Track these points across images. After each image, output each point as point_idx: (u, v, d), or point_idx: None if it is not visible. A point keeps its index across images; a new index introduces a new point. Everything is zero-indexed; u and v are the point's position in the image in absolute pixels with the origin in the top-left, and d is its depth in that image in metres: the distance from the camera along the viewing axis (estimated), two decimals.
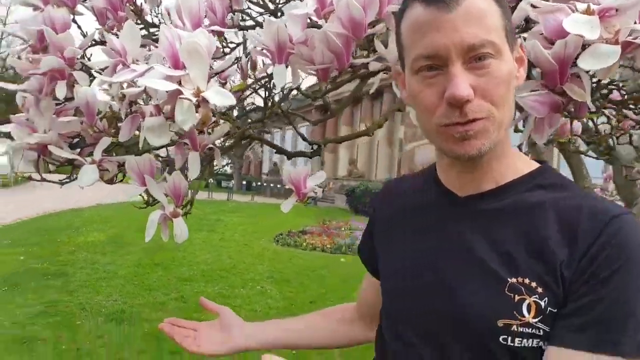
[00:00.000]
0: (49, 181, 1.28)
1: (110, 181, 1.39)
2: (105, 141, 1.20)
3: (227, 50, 1.27)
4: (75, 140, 1.36)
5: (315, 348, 1.12)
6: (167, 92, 0.91)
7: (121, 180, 1.49)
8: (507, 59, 0.68)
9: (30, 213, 12.94)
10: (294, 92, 1.31)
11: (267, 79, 1.25)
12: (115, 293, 5.69)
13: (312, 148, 1.59)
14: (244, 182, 33.03)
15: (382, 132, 26.21)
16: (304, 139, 1.67)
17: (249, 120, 1.53)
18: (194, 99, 0.88)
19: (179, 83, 0.90)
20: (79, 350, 4.03)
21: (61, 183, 1.30)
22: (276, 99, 1.30)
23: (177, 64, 0.95)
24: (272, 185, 30.94)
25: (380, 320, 0.90)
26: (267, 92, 1.24)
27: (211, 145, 1.13)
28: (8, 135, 1.26)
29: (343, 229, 12.70)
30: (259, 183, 32.69)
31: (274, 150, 1.64)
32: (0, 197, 17.63)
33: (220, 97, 0.88)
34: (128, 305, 5.25)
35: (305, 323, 1.10)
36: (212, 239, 10.41)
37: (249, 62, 1.14)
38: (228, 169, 53.34)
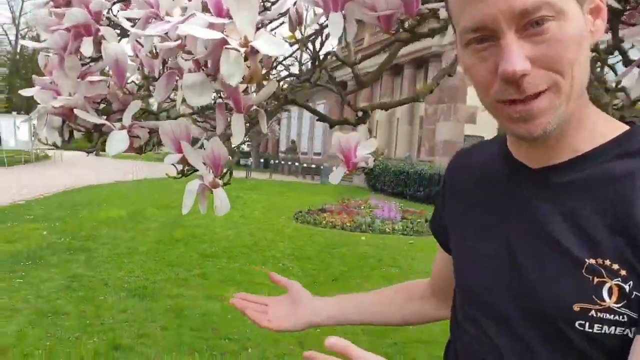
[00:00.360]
0: (76, 149, 1.18)
1: (140, 150, 1.29)
2: (136, 105, 1.09)
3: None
4: (102, 106, 1.25)
5: (385, 325, 1.08)
6: (209, 42, 0.79)
7: (151, 149, 1.38)
8: (573, 16, 0.58)
9: (52, 189, 13.09)
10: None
11: (314, 36, 1.11)
12: (138, 269, 5.69)
13: (356, 115, 1.46)
14: (262, 160, 33.03)
15: (401, 110, 25.84)
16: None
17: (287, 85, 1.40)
18: (242, 50, 0.75)
19: (223, 32, 0.78)
20: (102, 324, 4.03)
21: (88, 151, 1.19)
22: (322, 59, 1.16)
23: (220, 12, 0.82)
24: (289, 163, 30.88)
25: (453, 298, 0.86)
26: (313, 50, 1.11)
27: (256, 107, 1.01)
28: (27, 112, 1.15)
29: (362, 207, 12.58)
30: (277, 161, 32.65)
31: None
32: (22, 173, 17.89)
33: (272, 47, 0.75)
34: (150, 281, 5.24)
35: (376, 299, 1.05)
36: (232, 216, 10.40)
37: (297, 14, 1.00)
38: (245, 147, 53.53)
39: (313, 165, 27.09)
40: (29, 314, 4.12)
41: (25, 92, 1.14)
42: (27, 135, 21.47)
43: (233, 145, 0.99)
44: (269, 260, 6.58)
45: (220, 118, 1.00)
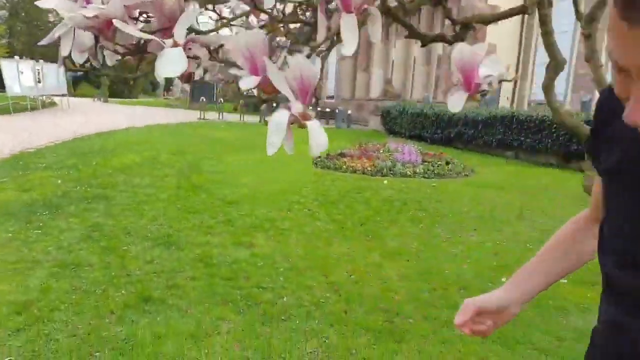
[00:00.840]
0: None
1: (189, 78, 1.00)
2: (192, 14, 0.78)
3: None
4: (139, 25, 0.94)
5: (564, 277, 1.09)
6: None
7: (202, 78, 1.09)
8: None
9: (62, 136, 12.87)
10: None
11: None
12: (160, 217, 5.53)
13: (454, 30, 1.17)
14: (273, 105, 32.39)
15: (418, 49, 24.86)
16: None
17: None
18: None
19: None
20: (129, 276, 3.88)
21: (130, 78, 0.90)
22: None
23: None
24: None
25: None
26: None
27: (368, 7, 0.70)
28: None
29: (381, 151, 12.25)
30: None
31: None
32: (29, 120, 17.65)
33: None
34: (174, 229, 5.08)
35: (553, 258, 1.06)
36: (250, 161, 10.17)
37: None
38: (255, 91, 52.72)
39: (327, 109, 26.48)
40: (50, 266, 3.95)
41: (43, 3, 0.83)
42: (32, 80, 20.97)
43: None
44: (294, 206, 6.38)
45: (322, 20, 0.69)
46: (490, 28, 22.14)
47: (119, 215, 5.51)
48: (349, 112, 24.30)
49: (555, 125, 12.05)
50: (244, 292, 3.60)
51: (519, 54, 22.32)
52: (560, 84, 20.68)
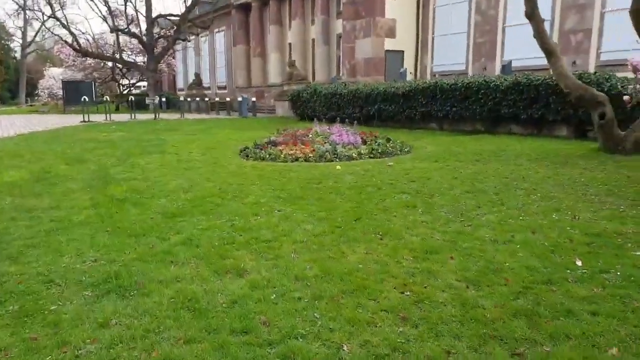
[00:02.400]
0: None
1: None
2: None
3: None
4: None
5: None
6: None
7: None
8: None
9: None
10: None
11: None
12: (89, 249, 3.90)
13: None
14: (163, 100, 29.70)
15: (315, 30, 23.99)
16: None
17: None
18: None
19: None
20: None
21: None
22: None
23: None
24: (196, 99, 28.06)
25: None
26: None
27: None
28: None
29: (310, 135, 11.16)
30: (180, 99, 29.59)
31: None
32: None
33: None
34: (119, 264, 3.52)
35: None
36: (166, 162, 8.51)
37: None
38: (134, 89, 48.60)
39: (227, 99, 24.68)
40: None
41: None
42: None
43: None
44: (259, 209, 5.05)
45: None
46: (389, 4, 21.97)
47: (22, 258, 3.79)
48: (253, 99, 22.79)
49: (482, 91, 11.85)
50: (281, 351, 2.31)
51: (417, 28, 22.39)
52: (461, 54, 21.08)
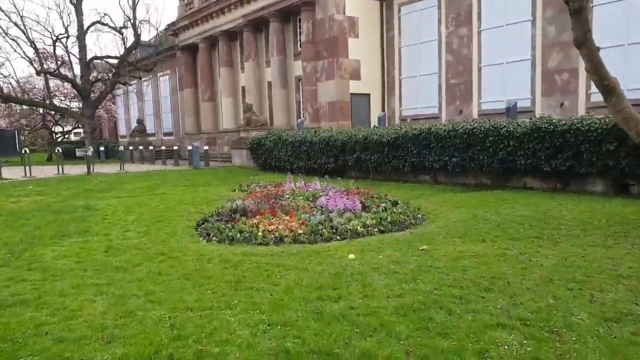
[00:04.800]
0: None
1: None
2: None
3: None
4: None
5: None
6: None
7: None
8: None
9: None
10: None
11: None
12: None
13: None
14: (102, 149, 26.46)
15: (272, 71, 21.90)
16: None
17: None
18: None
19: None
20: None
21: None
22: None
23: None
24: (139, 148, 24.99)
25: None
26: None
27: None
28: None
29: (288, 196, 8.67)
30: (121, 148, 26.46)
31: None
32: None
33: None
34: None
35: None
36: (93, 253, 5.73)
37: None
38: (72, 136, 44.49)
39: (175, 147, 21.83)
40: None
41: None
42: None
43: None
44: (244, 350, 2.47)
45: None
46: (352, 44, 20.27)
47: None
48: (206, 147, 20.10)
49: (490, 139, 9.88)
50: None
51: (383, 69, 20.78)
52: (432, 97, 19.50)
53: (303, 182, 9.96)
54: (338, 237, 6.15)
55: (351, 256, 5.11)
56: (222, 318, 3.54)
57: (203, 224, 7.14)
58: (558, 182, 9.33)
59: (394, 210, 7.48)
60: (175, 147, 21.65)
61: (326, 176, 9.62)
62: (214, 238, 6.29)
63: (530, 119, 9.69)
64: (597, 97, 15.09)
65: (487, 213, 7.33)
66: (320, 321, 3.43)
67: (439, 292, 3.98)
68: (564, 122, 9.02)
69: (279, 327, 3.36)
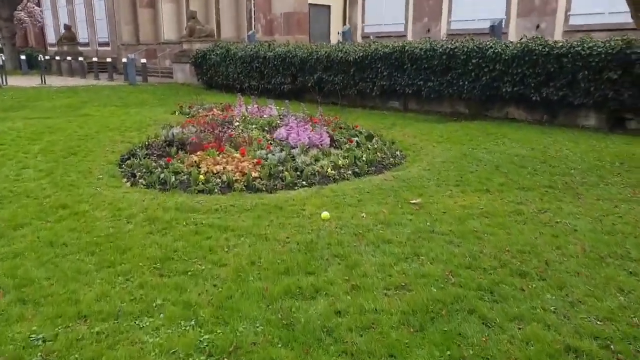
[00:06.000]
0: None
1: None
2: None
3: None
4: None
5: None
6: None
7: None
8: None
9: None
10: None
11: None
12: None
13: None
14: (23, 57, 23.13)
15: None
16: None
17: None
18: None
19: None
20: None
21: None
22: None
23: None
24: (67, 58, 21.93)
25: None
26: None
27: None
28: None
29: (237, 124, 7.14)
30: (47, 57, 23.21)
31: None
32: None
33: None
34: None
35: None
36: None
37: None
38: None
39: (110, 59, 19.17)
40: None
41: None
42: None
43: None
44: None
45: None
46: None
47: None
48: (143, 60, 17.69)
49: (474, 61, 8.55)
50: None
51: None
52: (399, 12, 17.72)
53: (256, 105, 8.40)
54: (304, 182, 4.82)
55: (325, 215, 3.81)
56: (134, 338, 2.21)
57: (129, 159, 5.58)
58: (545, 114, 8.27)
59: (369, 146, 6.18)
60: (110, 59, 18.99)
61: (286, 101, 8.10)
62: (140, 181, 4.80)
63: (521, 39, 8.39)
64: (577, 19, 13.97)
65: (476, 151, 6.18)
66: (293, 347, 2.17)
67: (457, 280, 2.80)
68: (560, 44, 7.78)
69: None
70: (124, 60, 17.22)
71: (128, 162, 5.41)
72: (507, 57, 8.17)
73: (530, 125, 8.11)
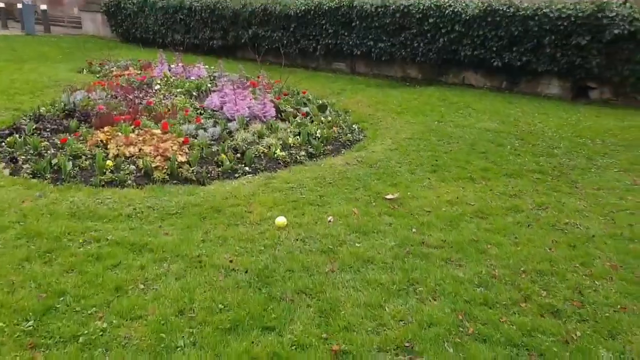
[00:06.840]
0: None
1: None
2: None
3: None
4: None
5: None
6: None
7: None
8: None
9: None
10: None
11: None
12: None
13: None
14: None
15: None
16: None
17: None
18: None
19: None
20: None
21: None
22: None
23: None
24: None
25: None
26: None
27: None
28: None
29: (159, 87, 5.88)
30: None
31: None
32: None
33: None
34: None
35: None
36: None
37: None
38: None
39: (2, 4, 16.36)
40: None
41: None
42: None
43: None
44: None
45: None
46: None
47: None
48: (44, 7, 15.26)
49: (430, 21, 7.69)
50: None
51: None
52: None
53: (181, 64, 7.10)
54: (246, 168, 3.79)
55: (281, 221, 2.84)
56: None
57: (11, 134, 4.25)
58: (505, 81, 7.65)
59: (322, 118, 5.21)
60: (2, 5, 16.26)
61: (220, 61, 6.86)
62: (25, 168, 3.56)
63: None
64: None
65: (443, 124, 5.40)
66: None
67: (476, 328, 1.98)
68: (527, 4, 7.09)
69: None
70: (19, 5, 14.72)
71: (9, 139, 4.09)
72: (467, 18, 7.37)
73: (491, 92, 7.46)
